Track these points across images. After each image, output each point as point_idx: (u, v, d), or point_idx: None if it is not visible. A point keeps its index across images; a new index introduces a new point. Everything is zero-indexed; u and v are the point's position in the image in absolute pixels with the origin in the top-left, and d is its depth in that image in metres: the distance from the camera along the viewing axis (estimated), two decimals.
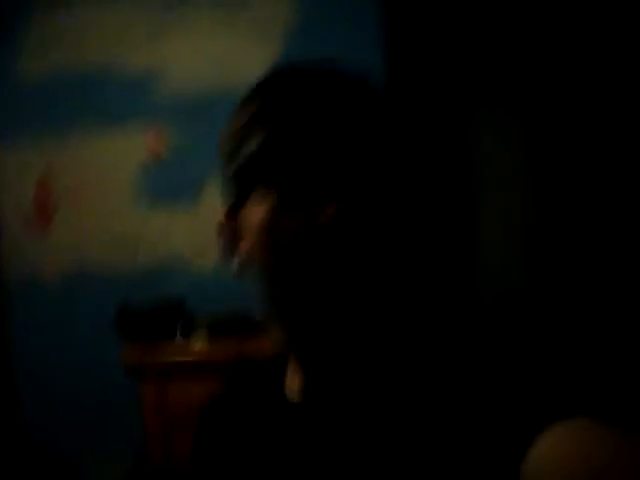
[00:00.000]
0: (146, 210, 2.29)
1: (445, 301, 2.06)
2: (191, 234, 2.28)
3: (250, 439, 0.61)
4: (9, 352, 2.33)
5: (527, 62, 2.28)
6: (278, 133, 0.52)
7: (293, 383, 0.60)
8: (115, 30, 2.27)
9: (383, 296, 0.54)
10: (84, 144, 2.30)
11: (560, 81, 2.26)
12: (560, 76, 2.26)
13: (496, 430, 0.44)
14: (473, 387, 0.48)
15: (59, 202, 2.31)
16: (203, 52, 2.26)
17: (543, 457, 0.41)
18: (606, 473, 0.38)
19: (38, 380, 2.32)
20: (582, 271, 2.22)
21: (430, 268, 2.10)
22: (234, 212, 0.58)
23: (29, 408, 2.34)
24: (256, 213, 0.55)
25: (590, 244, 2.22)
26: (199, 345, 1.92)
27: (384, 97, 0.57)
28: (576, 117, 2.25)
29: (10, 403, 2.34)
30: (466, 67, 2.31)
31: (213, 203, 2.26)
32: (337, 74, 0.56)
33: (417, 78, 2.23)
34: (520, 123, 2.32)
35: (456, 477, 0.45)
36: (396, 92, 2.15)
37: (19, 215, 2.31)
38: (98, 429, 2.30)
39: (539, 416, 0.43)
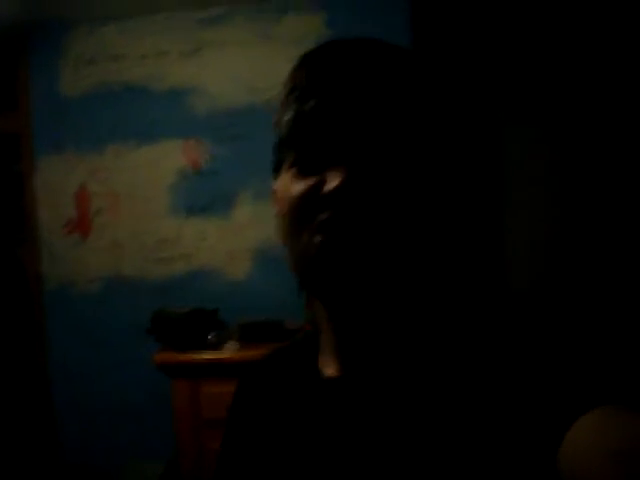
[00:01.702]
0: (181, 219, 2.35)
1: (476, 284, 2.09)
2: (224, 243, 2.33)
3: (285, 414, 0.62)
4: (44, 356, 2.40)
5: (551, 72, 2.32)
6: (302, 112, 0.53)
7: (328, 359, 0.60)
8: (153, 46, 2.37)
9: (413, 270, 0.54)
10: (123, 155, 2.38)
11: (582, 88, 2.29)
12: (581, 84, 2.29)
13: (533, 414, 0.44)
14: (510, 370, 0.48)
15: (98, 210, 2.39)
16: (238, 68, 2.34)
17: (580, 442, 0.41)
18: None
19: (72, 383, 2.38)
20: (603, 260, 2.25)
21: (460, 252, 2.14)
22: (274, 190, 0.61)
23: (63, 410, 2.40)
24: (282, 183, 0.57)
25: (608, 237, 2.26)
26: (231, 350, 1.97)
27: (421, 70, 0.56)
28: (596, 122, 2.28)
29: (44, 405, 2.40)
30: (492, 78, 2.35)
31: (245, 214, 2.32)
32: (370, 50, 0.56)
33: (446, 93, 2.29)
34: (545, 131, 2.36)
35: (493, 459, 0.45)
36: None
37: (59, 222, 2.40)
38: (130, 431, 2.35)
39: (576, 401, 0.43)
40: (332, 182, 0.50)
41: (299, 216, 0.53)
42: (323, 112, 0.52)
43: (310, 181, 0.52)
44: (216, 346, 2.01)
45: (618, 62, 2.25)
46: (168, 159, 2.36)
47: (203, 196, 2.34)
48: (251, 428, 0.67)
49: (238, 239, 2.32)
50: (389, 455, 0.50)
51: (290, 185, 0.54)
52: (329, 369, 0.60)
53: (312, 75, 0.54)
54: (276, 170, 0.59)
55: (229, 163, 2.33)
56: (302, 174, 0.53)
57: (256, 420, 0.66)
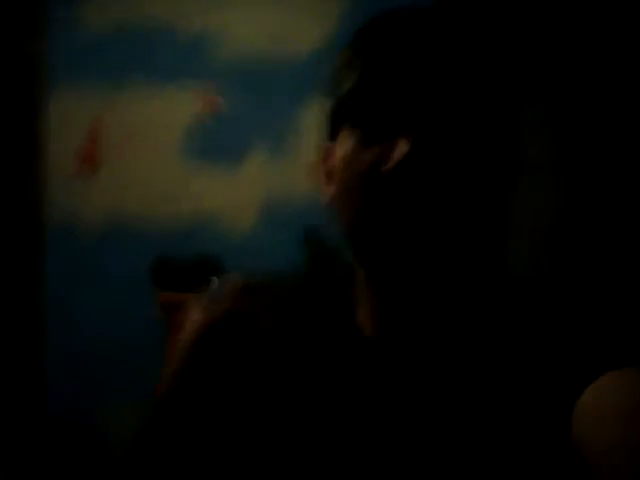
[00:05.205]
0: (190, 168, 2.34)
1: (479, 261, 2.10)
2: (231, 195, 2.32)
3: (319, 369, 0.63)
4: (40, 297, 2.37)
5: (563, 61, 2.30)
6: (364, 81, 0.55)
7: (366, 318, 0.63)
8: None
9: (449, 239, 0.55)
10: (136, 98, 2.35)
11: (593, 78, 2.27)
12: (593, 73, 2.27)
13: (549, 378, 0.46)
14: (526, 336, 0.51)
15: (106, 152, 2.36)
16: (259, 20, 2.31)
17: (591, 406, 0.42)
18: None
19: (66, 327, 2.35)
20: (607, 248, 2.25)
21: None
22: (327, 151, 0.63)
23: (54, 356, 2.36)
24: (340, 151, 0.58)
25: (616, 233, 2.25)
26: None
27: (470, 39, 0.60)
28: (607, 108, 2.26)
29: (36, 349, 2.37)
30: (504, 65, 2.33)
31: (255, 167, 2.31)
32: (431, 18, 0.58)
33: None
34: (555, 118, 2.34)
35: (510, 422, 0.47)
36: None
37: (67, 160, 2.37)
38: (118, 378, 2.34)
39: (589, 367, 0.44)
40: (400, 149, 0.51)
41: (365, 182, 0.54)
42: (389, 81, 0.54)
43: (377, 149, 0.54)
44: None
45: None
46: (184, 102, 2.33)
47: (214, 146, 2.33)
48: (256, 370, 0.67)
49: (245, 192, 2.31)
50: (415, 405, 0.54)
51: (354, 150, 0.56)
52: (367, 329, 0.62)
53: (378, 46, 0.56)
54: (333, 131, 0.61)
55: (247, 112, 2.31)
56: (368, 140, 0.55)
57: (268, 365, 0.67)
